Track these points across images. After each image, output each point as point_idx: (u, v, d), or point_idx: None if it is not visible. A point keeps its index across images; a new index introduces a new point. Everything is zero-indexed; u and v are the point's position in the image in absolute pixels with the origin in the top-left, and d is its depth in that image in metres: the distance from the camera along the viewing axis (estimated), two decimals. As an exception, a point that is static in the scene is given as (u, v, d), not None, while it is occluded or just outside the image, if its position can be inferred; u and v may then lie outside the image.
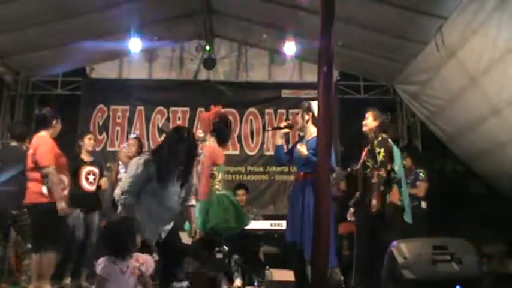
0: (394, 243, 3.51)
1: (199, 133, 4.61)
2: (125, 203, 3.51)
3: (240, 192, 6.29)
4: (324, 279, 3.11)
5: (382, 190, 4.34)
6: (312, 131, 4.36)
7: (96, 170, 5.55)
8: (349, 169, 5.81)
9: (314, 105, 4.25)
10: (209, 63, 7.55)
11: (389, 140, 4.54)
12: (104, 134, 7.70)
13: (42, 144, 4.46)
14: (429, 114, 6.90)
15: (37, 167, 4.39)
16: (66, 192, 4.55)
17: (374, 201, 4.35)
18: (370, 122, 4.65)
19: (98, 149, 7.49)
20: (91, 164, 5.56)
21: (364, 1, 5.83)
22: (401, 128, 7.95)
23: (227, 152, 7.69)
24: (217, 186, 4.42)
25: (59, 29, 6.54)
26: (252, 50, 8.07)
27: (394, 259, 3.41)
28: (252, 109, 7.87)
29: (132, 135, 6.11)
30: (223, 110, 4.67)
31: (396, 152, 4.59)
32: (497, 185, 6.64)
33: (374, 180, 4.40)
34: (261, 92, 7.99)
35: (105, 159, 6.55)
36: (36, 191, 4.38)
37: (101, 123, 7.74)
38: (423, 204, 5.90)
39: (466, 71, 5.61)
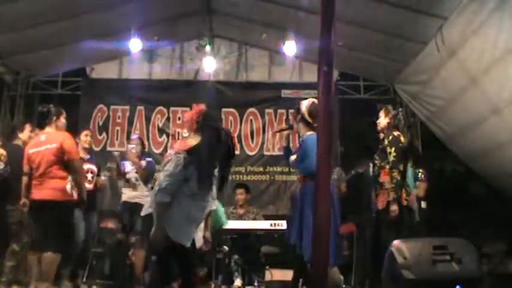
0: (394, 243, 3.51)
1: (184, 133, 4.48)
2: (160, 201, 3.31)
3: (240, 191, 6.30)
4: (324, 279, 3.11)
5: (396, 195, 4.24)
6: (303, 131, 4.34)
7: (94, 167, 5.47)
8: (353, 172, 5.82)
9: (304, 104, 4.35)
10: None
11: (402, 138, 4.43)
12: (104, 134, 7.70)
13: (67, 138, 4.46)
14: (429, 114, 6.90)
15: (67, 160, 4.36)
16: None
17: (382, 203, 4.30)
18: (382, 119, 4.59)
19: (97, 149, 7.51)
20: (88, 161, 5.46)
21: (364, 1, 5.83)
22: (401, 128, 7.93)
23: (227, 152, 7.77)
24: None
25: (59, 29, 6.54)
26: (252, 50, 8.07)
27: (394, 259, 3.41)
28: (252, 109, 7.87)
29: (134, 136, 6.09)
30: (206, 108, 4.56)
31: (408, 150, 4.54)
32: (497, 185, 6.64)
33: (381, 180, 4.36)
34: (261, 92, 7.99)
35: (105, 159, 6.53)
36: (58, 187, 4.33)
37: (101, 123, 7.74)
38: (423, 204, 5.89)
39: (466, 71, 5.61)
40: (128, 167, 5.66)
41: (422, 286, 3.29)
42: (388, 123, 4.52)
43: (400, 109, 4.81)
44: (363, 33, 6.45)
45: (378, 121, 4.64)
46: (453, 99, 6.18)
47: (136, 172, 5.58)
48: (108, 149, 7.55)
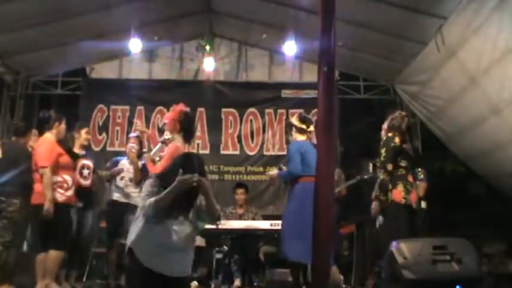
0: (394, 243, 3.51)
1: (166, 135, 4.36)
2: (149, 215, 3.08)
3: (240, 191, 6.29)
4: (324, 279, 3.11)
5: (377, 194, 4.36)
6: (298, 139, 4.68)
7: (90, 163, 5.37)
8: (358, 177, 5.79)
9: (293, 118, 4.92)
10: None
11: (397, 138, 4.45)
12: (104, 134, 7.70)
13: (42, 144, 4.51)
14: (429, 114, 6.90)
15: (36, 168, 4.45)
16: (70, 192, 4.55)
17: (373, 204, 4.40)
18: (385, 124, 4.66)
19: (98, 149, 7.52)
20: (84, 157, 5.35)
21: (364, 1, 5.84)
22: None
23: (227, 152, 7.78)
24: None
25: (59, 29, 6.55)
26: (252, 50, 8.07)
27: (394, 259, 3.40)
28: (252, 109, 7.87)
29: (132, 134, 6.04)
30: (186, 108, 4.47)
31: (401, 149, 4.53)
32: (497, 185, 6.64)
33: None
34: (261, 92, 7.99)
35: (105, 159, 6.52)
36: (40, 191, 4.38)
37: (100, 123, 7.74)
38: (423, 204, 5.88)
39: (466, 71, 5.61)
40: (125, 165, 5.61)
41: (422, 286, 3.29)
42: (388, 125, 4.58)
43: (399, 112, 4.83)
44: (363, 33, 6.45)
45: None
46: (453, 99, 6.18)
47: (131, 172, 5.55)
48: (108, 149, 7.55)
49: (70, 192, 4.55)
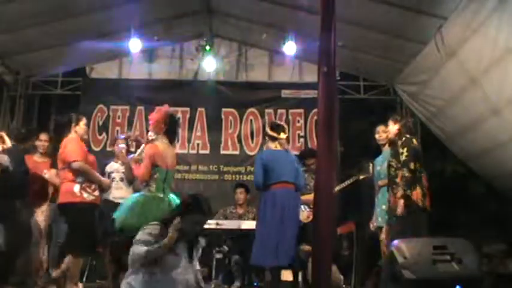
0: (394, 242, 3.51)
1: (150, 136, 4.38)
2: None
3: (240, 191, 6.29)
4: (324, 279, 3.11)
5: (405, 191, 4.33)
6: (269, 148, 4.87)
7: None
8: (355, 177, 5.79)
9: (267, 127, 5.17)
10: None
11: (414, 140, 4.58)
12: (104, 134, 7.70)
13: (69, 142, 4.51)
14: (429, 114, 6.90)
15: (66, 165, 4.41)
16: (97, 192, 4.55)
17: (397, 203, 4.36)
18: (391, 127, 4.72)
19: (97, 149, 7.51)
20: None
21: (364, 1, 5.84)
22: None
23: (227, 152, 7.78)
24: (152, 188, 4.19)
25: (59, 29, 6.55)
26: (252, 50, 8.06)
27: (394, 259, 3.41)
28: (252, 109, 7.86)
29: (121, 136, 5.96)
30: (170, 109, 4.50)
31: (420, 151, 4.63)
32: (497, 185, 6.64)
33: (398, 180, 4.42)
34: (261, 92, 7.98)
35: (105, 160, 6.51)
36: (67, 190, 4.38)
37: (100, 123, 7.74)
38: (423, 204, 5.90)
39: (466, 71, 5.61)
40: (113, 166, 5.58)
41: (422, 286, 3.29)
42: (399, 129, 4.64)
43: (410, 119, 4.93)
44: (363, 33, 6.44)
45: (388, 130, 4.76)
46: (453, 99, 6.18)
47: (122, 172, 5.53)
48: (108, 149, 7.54)
49: (97, 193, 4.55)
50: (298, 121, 7.80)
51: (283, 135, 4.82)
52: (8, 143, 5.15)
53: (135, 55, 7.44)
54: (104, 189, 4.79)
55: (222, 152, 7.74)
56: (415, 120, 7.69)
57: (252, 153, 7.71)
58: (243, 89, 8.00)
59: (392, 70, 7.27)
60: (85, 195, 4.40)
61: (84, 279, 5.77)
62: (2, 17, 5.99)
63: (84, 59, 7.78)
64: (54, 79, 7.95)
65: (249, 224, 5.54)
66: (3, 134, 5.17)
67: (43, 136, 5.55)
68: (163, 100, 7.69)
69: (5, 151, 5.06)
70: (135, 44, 6.90)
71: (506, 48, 4.92)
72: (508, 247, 6.88)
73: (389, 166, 4.62)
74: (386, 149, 4.98)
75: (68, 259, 4.38)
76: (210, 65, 7.54)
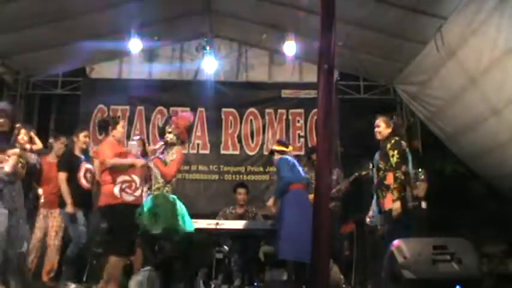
0: (395, 242, 3.51)
1: (171, 139, 4.50)
2: None
3: (241, 191, 6.29)
4: (324, 279, 3.12)
5: (400, 194, 4.33)
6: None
7: (91, 167, 5.43)
8: (356, 174, 5.82)
9: (274, 146, 5.59)
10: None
11: (403, 142, 4.58)
12: (104, 134, 7.68)
13: (103, 144, 4.63)
14: (429, 114, 6.90)
15: (103, 167, 4.46)
16: (138, 192, 4.53)
17: (390, 204, 4.35)
18: (383, 129, 4.69)
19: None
20: (86, 161, 5.45)
21: (364, 1, 5.84)
22: (401, 128, 7.96)
23: (227, 152, 7.78)
24: (167, 189, 4.46)
25: (59, 29, 6.55)
26: (252, 50, 8.07)
27: (394, 259, 3.41)
28: (252, 109, 7.87)
29: (135, 137, 6.01)
30: (192, 116, 4.75)
31: (408, 153, 4.62)
32: (497, 185, 6.64)
33: (387, 182, 4.42)
34: (261, 92, 7.99)
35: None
36: (107, 192, 4.39)
37: (101, 123, 7.74)
38: (423, 205, 5.90)
39: (465, 71, 5.61)
40: None
41: (422, 286, 3.29)
42: (390, 132, 4.63)
43: (395, 117, 4.90)
44: (363, 33, 6.45)
45: (377, 130, 4.72)
46: (453, 99, 6.18)
47: None
48: (108, 149, 7.54)
49: (138, 193, 4.52)
50: (298, 121, 7.80)
51: (291, 148, 5.46)
52: (39, 144, 5.25)
53: (135, 55, 7.44)
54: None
55: (222, 152, 7.74)
56: (415, 120, 7.72)
57: (252, 153, 7.72)
58: (243, 89, 8.01)
59: (392, 70, 7.28)
60: (125, 196, 4.39)
61: (84, 278, 5.77)
62: (2, 17, 5.99)
63: (84, 59, 7.78)
64: (54, 79, 7.95)
65: (249, 224, 5.54)
66: (34, 135, 5.23)
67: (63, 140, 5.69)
68: (163, 100, 7.86)
69: (34, 152, 5.13)
70: (135, 44, 6.91)
71: (506, 48, 4.92)
72: (508, 247, 6.89)
73: (377, 168, 4.62)
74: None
75: (109, 261, 4.38)
76: (210, 65, 7.54)
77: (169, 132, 4.51)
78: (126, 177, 4.40)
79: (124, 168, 4.40)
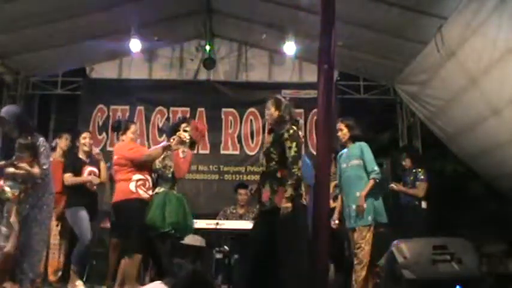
0: (395, 242, 3.51)
1: (184, 136, 4.54)
2: None
3: (242, 192, 6.27)
4: (324, 279, 3.11)
5: (295, 192, 3.89)
6: None
7: (96, 170, 5.44)
8: None
9: None
10: (209, 63, 7.53)
11: (300, 132, 4.24)
12: (104, 134, 7.70)
13: (122, 145, 4.72)
14: (429, 114, 6.90)
15: (135, 163, 4.51)
16: (151, 192, 4.56)
17: (280, 198, 3.93)
18: (272, 111, 4.23)
19: (98, 149, 7.50)
20: (90, 164, 5.45)
21: (364, 1, 5.84)
22: (401, 128, 7.95)
23: (227, 152, 7.77)
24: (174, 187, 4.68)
25: (59, 29, 6.55)
26: (252, 50, 8.07)
27: (394, 259, 3.41)
28: (252, 109, 7.86)
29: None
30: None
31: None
32: (497, 185, 6.64)
33: (280, 175, 3.99)
34: (261, 92, 7.95)
35: (105, 159, 6.51)
36: (123, 189, 4.45)
37: (101, 123, 7.73)
38: (423, 204, 5.90)
39: (466, 71, 5.61)
40: None
41: (422, 286, 3.30)
42: (280, 116, 4.14)
43: (287, 102, 4.35)
44: (363, 33, 6.44)
45: (267, 112, 4.27)
46: (453, 99, 6.18)
47: None
48: (108, 149, 7.52)
49: (151, 192, 4.56)
50: (298, 121, 7.80)
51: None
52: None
53: (135, 55, 7.45)
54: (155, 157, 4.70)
55: (222, 152, 7.74)
56: (415, 121, 7.71)
57: (252, 153, 7.71)
58: (243, 89, 8.00)
59: (392, 70, 7.27)
60: (140, 192, 4.45)
61: (84, 278, 5.77)
62: (2, 17, 5.99)
63: (84, 59, 7.79)
64: (54, 79, 7.95)
65: (250, 224, 5.53)
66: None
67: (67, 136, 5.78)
68: (163, 100, 7.85)
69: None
70: (135, 44, 6.91)
71: (506, 48, 4.92)
72: (508, 247, 6.89)
73: (269, 156, 4.06)
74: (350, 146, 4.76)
75: (125, 261, 4.42)
76: (209, 65, 7.53)
77: (185, 131, 4.58)
78: (141, 176, 4.51)
79: (158, 156, 4.55)
